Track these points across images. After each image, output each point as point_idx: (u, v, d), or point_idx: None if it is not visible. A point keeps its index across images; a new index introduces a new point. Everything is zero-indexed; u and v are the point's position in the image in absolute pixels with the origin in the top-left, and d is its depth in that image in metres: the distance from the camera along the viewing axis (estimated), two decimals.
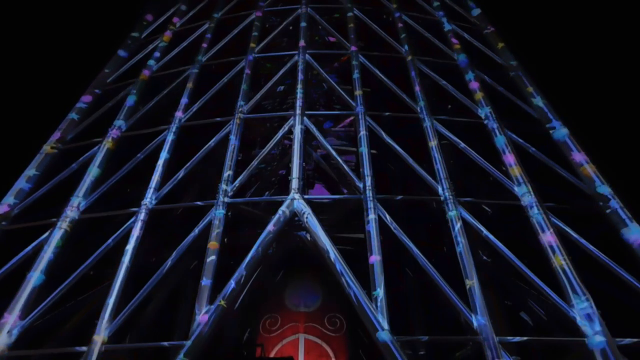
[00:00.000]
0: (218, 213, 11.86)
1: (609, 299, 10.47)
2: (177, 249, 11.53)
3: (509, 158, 13.04)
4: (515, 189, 12.30)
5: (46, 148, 14.68)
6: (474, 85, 15.53)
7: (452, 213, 11.65)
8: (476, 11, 19.73)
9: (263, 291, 14.29)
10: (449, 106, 16.10)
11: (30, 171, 13.99)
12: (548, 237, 11.05)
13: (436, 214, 12.67)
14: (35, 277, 11.24)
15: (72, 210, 12.67)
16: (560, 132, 13.99)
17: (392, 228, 11.47)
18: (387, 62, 16.61)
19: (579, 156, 13.19)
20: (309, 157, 15.11)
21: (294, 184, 12.32)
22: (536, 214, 11.55)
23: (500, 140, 13.60)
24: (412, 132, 14.31)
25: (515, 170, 12.66)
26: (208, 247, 11.16)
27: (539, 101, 15.05)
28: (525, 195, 12.03)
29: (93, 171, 13.64)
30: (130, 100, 15.97)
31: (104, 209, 13.14)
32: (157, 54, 18.13)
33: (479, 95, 15.07)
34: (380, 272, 10.42)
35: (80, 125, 15.75)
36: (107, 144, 14.46)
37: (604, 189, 12.27)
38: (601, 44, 27.48)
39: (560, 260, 10.54)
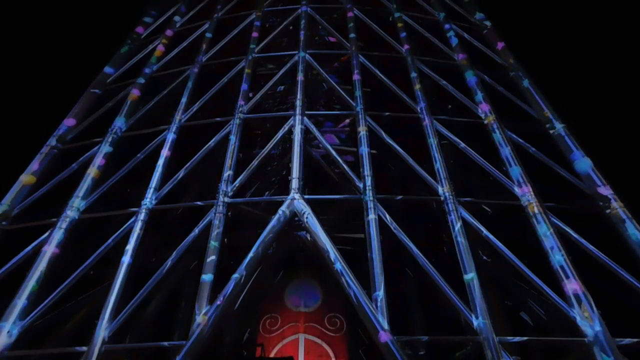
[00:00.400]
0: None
1: (609, 299, 10.47)
2: (177, 249, 11.53)
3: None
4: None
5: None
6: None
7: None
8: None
9: (263, 291, 14.29)
10: (449, 106, 16.10)
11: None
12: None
13: (436, 214, 12.67)
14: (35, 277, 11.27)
15: (72, 210, 12.68)
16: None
17: (392, 228, 11.48)
18: (387, 62, 16.60)
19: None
20: (309, 157, 15.10)
21: (294, 184, 12.32)
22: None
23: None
24: (412, 132, 14.30)
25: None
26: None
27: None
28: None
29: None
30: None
31: (104, 209, 13.15)
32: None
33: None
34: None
35: (80, 125, 15.74)
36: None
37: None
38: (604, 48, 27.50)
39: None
